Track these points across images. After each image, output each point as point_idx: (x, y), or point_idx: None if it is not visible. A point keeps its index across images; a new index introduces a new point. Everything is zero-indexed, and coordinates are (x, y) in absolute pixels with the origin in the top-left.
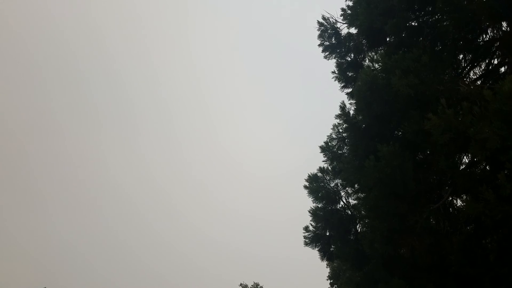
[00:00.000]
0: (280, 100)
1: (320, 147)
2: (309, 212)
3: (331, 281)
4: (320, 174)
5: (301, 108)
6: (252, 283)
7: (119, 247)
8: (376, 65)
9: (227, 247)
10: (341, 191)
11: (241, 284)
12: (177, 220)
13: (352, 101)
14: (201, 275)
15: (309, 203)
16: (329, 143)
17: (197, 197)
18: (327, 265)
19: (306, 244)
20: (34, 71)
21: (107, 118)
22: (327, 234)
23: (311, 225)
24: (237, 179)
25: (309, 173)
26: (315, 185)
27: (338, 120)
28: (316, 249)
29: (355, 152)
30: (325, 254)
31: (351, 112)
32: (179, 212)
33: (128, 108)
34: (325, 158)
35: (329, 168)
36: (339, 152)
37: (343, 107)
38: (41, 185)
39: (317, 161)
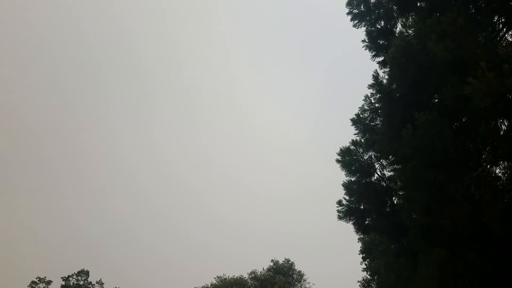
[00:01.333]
0: (286, 81)
1: (351, 119)
2: (342, 186)
3: (363, 255)
4: (352, 147)
5: (302, 85)
6: (283, 259)
7: (130, 234)
8: (410, 31)
9: (248, 229)
10: (375, 164)
11: (272, 260)
12: (196, 207)
13: (385, 70)
14: (223, 259)
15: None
16: (361, 115)
17: (215, 183)
18: (358, 239)
19: (339, 218)
20: (50, 63)
21: (123, 108)
22: (362, 207)
23: (344, 199)
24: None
25: (341, 147)
26: (347, 158)
27: (370, 90)
28: (351, 222)
29: (389, 122)
30: (360, 228)
31: (384, 81)
32: (197, 198)
33: (144, 98)
34: (357, 131)
35: (362, 141)
36: (371, 123)
37: (376, 76)
38: (57, 174)
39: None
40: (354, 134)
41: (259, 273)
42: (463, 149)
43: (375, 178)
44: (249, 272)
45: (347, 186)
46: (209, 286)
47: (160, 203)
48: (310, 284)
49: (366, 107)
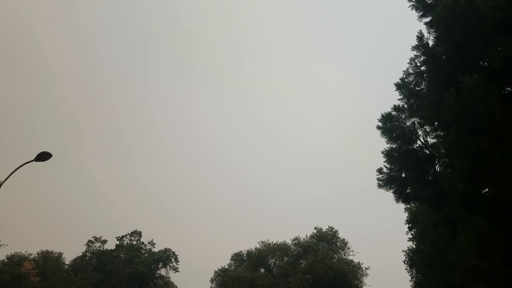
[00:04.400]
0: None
1: (396, 84)
2: (382, 153)
3: (409, 225)
4: (394, 112)
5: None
6: (327, 227)
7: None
8: None
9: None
10: (418, 130)
11: (315, 228)
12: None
13: (431, 30)
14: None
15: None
16: (405, 79)
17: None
18: (405, 209)
19: (379, 186)
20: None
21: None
22: (403, 175)
23: (385, 166)
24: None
25: (383, 113)
26: (389, 125)
27: (415, 52)
28: (391, 191)
29: (434, 86)
30: (400, 196)
31: (430, 43)
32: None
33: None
34: (401, 96)
35: (405, 106)
36: (416, 88)
37: (420, 37)
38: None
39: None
40: (398, 100)
41: (302, 239)
42: (510, 115)
43: (418, 145)
44: (293, 238)
45: (387, 153)
46: (253, 250)
47: (200, 181)
48: (354, 252)
49: (410, 71)
